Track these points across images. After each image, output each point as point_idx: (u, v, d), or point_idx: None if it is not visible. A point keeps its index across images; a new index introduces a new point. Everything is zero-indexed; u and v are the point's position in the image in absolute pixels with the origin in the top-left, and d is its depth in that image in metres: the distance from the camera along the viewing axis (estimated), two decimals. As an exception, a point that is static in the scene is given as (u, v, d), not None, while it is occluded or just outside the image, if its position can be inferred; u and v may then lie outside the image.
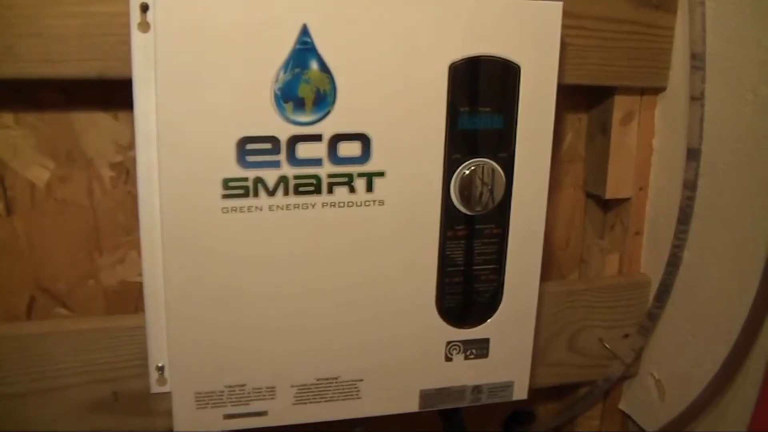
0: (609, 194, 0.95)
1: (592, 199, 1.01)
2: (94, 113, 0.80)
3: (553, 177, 0.75)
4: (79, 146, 0.80)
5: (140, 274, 0.71)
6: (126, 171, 0.82)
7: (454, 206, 0.72)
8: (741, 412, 0.79)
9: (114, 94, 0.78)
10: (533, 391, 0.83)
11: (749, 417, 0.78)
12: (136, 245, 0.75)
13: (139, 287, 0.73)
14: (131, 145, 0.77)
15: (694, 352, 0.88)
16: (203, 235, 0.67)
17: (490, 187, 0.72)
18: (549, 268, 0.97)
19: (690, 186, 0.86)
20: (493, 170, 0.72)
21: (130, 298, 0.86)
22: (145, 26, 0.64)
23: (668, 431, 0.89)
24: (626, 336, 0.96)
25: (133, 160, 0.69)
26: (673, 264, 0.90)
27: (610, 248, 0.99)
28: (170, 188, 0.66)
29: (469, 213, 0.73)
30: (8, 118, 0.78)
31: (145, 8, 0.64)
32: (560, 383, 1.00)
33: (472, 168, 0.71)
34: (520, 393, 0.81)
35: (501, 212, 0.74)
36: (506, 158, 0.73)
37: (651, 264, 0.96)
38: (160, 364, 0.74)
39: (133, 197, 0.80)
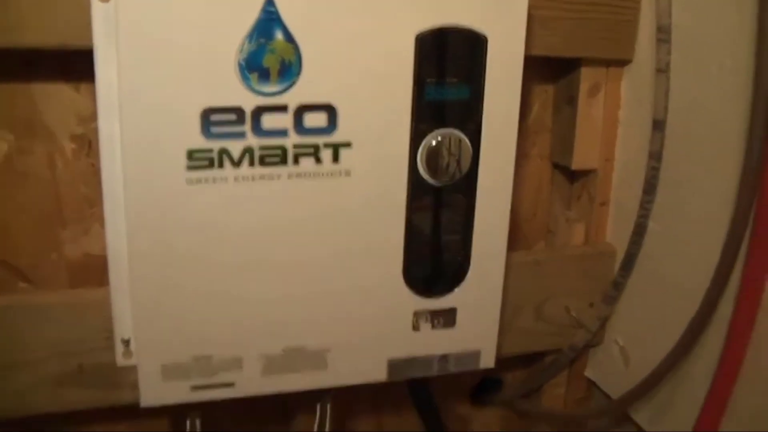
0: (575, 165, 0.95)
1: (558, 169, 1.01)
2: (54, 84, 0.78)
3: (520, 148, 0.75)
4: (40, 118, 0.79)
5: (104, 247, 0.71)
6: (88, 143, 0.81)
7: (421, 177, 0.72)
8: (703, 377, 0.81)
9: (75, 64, 0.76)
10: (500, 360, 0.84)
11: (710, 381, 0.79)
12: (99, 218, 0.75)
13: (103, 260, 0.73)
14: (93, 117, 0.75)
15: (657, 319, 0.90)
16: (167, 207, 0.67)
17: (456, 158, 0.72)
18: (516, 239, 0.98)
19: (655, 157, 0.87)
20: (460, 141, 0.72)
21: (94, 271, 0.85)
22: (105, -5, 0.63)
23: (632, 397, 0.90)
24: (591, 305, 0.97)
25: (96, 132, 0.68)
26: (639, 234, 0.91)
27: (577, 218, 0.99)
28: (133, 160, 0.65)
29: (435, 184, 0.73)
30: (-35, 88, 0.76)
31: (105, -24, 0.63)
32: (527, 351, 1.01)
33: (439, 139, 0.71)
34: (488, 361, 0.82)
35: (468, 183, 0.74)
36: (473, 129, 0.72)
37: (617, 234, 0.97)
38: (125, 337, 0.73)
39: (95, 169, 0.79)
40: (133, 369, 0.73)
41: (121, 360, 0.75)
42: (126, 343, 0.73)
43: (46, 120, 0.79)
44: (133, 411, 0.76)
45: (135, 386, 0.73)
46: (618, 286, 0.94)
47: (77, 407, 0.82)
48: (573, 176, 1.00)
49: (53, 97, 0.78)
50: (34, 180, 0.80)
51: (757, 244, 0.74)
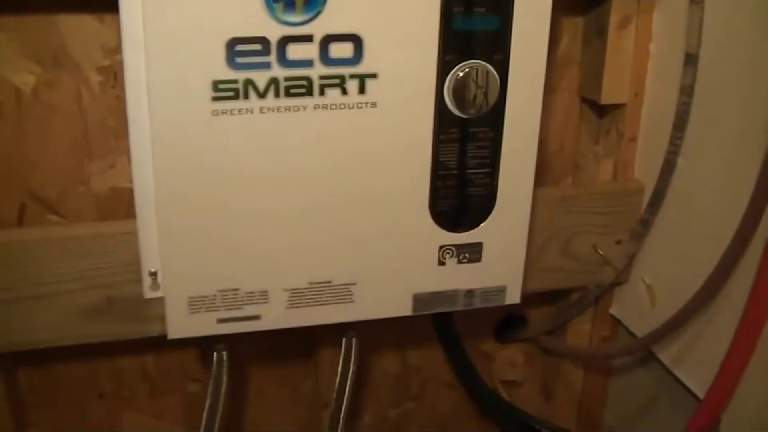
0: (604, 99, 0.93)
1: (587, 104, 1.00)
2: (79, 15, 0.78)
3: (548, 81, 0.74)
4: (65, 50, 0.79)
5: (131, 180, 0.71)
6: (114, 75, 0.80)
7: (448, 109, 0.71)
8: (730, 317, 0.80)
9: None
10: (526, 296, 0.84)
11: (737, 323, 0.78)
12: (126, 150, 0.75)
13: (130, 193, 0.73)
14: (119, 48, 0.75)
15: (685, 258, 0.89)
16: (193, 138, 0.67)
17: (484, 90, 0.71)
18: (543, 174, 0.97)
19: (687, 92, 0.85)
20: (488, 72, 0.71)
21: (121, 204, 0.85)
22: None
23: (657, 336, 0.90)
24: (619, 242, 0.96)
25: (121, 64, 0.67)
26: (668, 170, 0.90)
27: (605, 154, 0.98)
28: (159, 92, 0.65)
29: (462, 116, 0.72)
30: (-10, 21, 0.76)
31: None
32: (553, 288, 1.01)
33: (466, 70, 0.70)
34: (513, 297, 0.82)
35: (495, 115, 0.73)
36: (501, 61, 0.71)
37: (645, 170, 0.96)
38: (152, 270, 0.74)
39: (121, 101, 0.79)
40: (160, 301, 0.74)
41: (148, 292, 0.76)
42: (153, 275, 0.74)
43: (72, 52, 0.79)
44: (160, 343, 0.77)
45: (162, 318, 0.74)
46: (646, 223, 0.94)
47: (105, 339, 0.83)
48: (601, 111, 0.98)
49: (78, 28, 0.78)
50: (61, 113, 0.81)
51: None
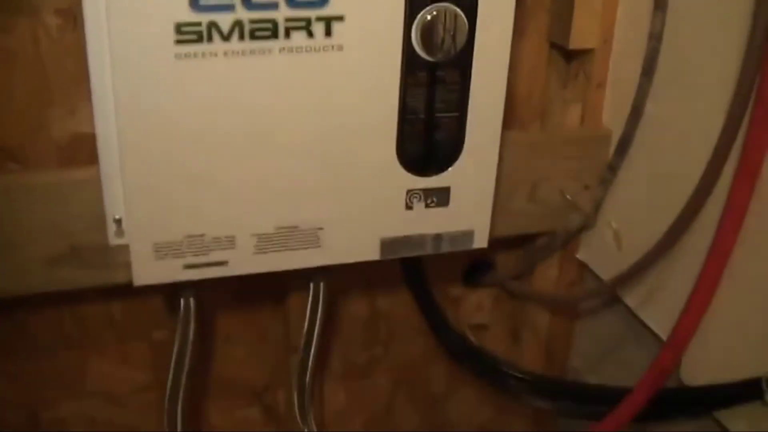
0: (573, 44, 0.93)
1: (555, 49, 0.99)
2: (35, -44, 0.76)
3: (517, 25, 0.73)
4: (22, -9, 0.76)
5: (93, 125, 0.70)
6: (74, 18, 0.78)
7: (416, 52, 0.71)
8: (693, 261, 0.81)
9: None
10: (494, 241, 0.84)
11: (700, 266, 0.79)
12: (87, 95, 0.73)
13: (92, 138, 0.72)
14: (78, -10, 0.73)
15: (652, 203, 0.89)
16: (156, 82, 0.65)
17: (452, 33, 0.70)
18: (510, 119, 0.96)
19: (656, 37, 0.85)
20: (456, 16, 0.70)
21: (83, 150, 0.83)
22: None
23: (623, 279, 0.91)
24: (586, 187, 0.97)
25: (81, 6, 0.65)
26: (636, 115, 0.90)
27: (573, 99, 0.98)
28: (120, 34, 0.64)
29: (430, 59, 0.71)
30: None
31: None
32: (520, 233, 1.02)
33: (434, 13, 0.69)
34: (481, 241, 0.83)
35: (463, 59, 0.72)
36: (469, 4, 0.70)
37: (613, 117, 0.96)
38: (117, 216, 0.73)
39: (82, 45, 0.77)
40: (125, 248, 0.73)
41: (113, 239, 0.75)
42: (118, 222, 0.73)
43: (28, -6, 0.76)
44: (126, 290, 0.76)
45: (128, 265, 0.73)
46: (613, 168, 0.94)
47: (70, 287, 0.82)
48: (570, 56, 0.98)
49: (35, -31, 0.76)
50: (19, 58, 0.78)
51: (756, 124, 0.73)
